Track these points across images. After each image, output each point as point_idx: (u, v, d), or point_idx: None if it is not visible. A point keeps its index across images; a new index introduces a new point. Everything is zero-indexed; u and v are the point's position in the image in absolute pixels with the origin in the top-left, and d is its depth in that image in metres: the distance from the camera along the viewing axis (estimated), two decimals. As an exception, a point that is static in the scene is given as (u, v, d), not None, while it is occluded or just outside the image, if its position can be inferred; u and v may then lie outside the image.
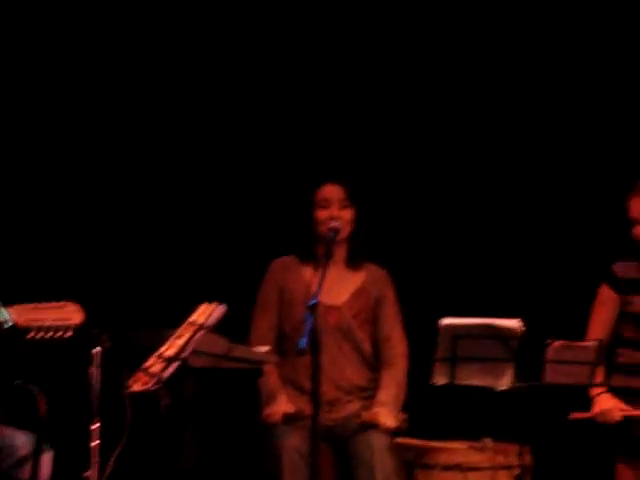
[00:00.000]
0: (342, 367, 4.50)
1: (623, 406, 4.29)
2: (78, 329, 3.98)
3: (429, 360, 4.01)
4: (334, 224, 4.34)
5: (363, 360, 4.54)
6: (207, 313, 3.91)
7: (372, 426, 4.32)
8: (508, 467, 4.31)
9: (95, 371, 3.93)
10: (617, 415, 4.26)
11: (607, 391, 4.33)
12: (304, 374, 4.37)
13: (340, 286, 4.51)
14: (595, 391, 4.34)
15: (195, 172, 5.18)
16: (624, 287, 4.44)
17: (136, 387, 3.84)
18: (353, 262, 4.56)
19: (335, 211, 4.50)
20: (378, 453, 4.23)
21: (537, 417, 4.09)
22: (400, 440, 4.39)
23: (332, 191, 4.53)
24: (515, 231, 5.27)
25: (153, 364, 3.85)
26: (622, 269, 4.47)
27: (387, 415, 4.36)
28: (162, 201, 5.14)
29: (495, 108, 5.29)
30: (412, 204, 5.26)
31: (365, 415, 4.37)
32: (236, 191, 5.20)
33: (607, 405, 4.28)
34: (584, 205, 5.24)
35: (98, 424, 3.89)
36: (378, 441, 4.27)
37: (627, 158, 5.14)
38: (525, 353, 3.98)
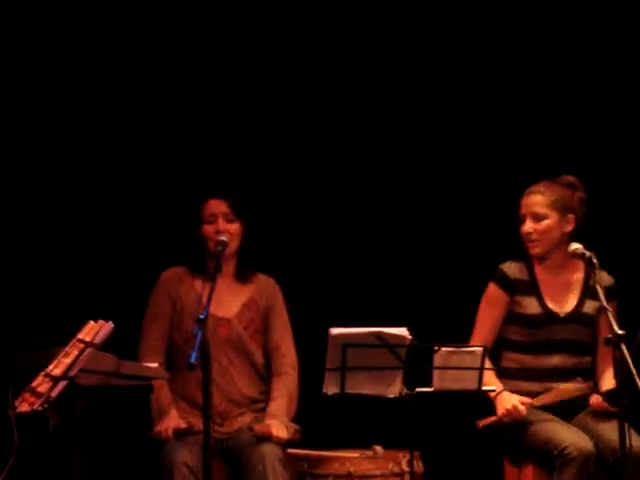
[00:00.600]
0: (233, 379, 4.49)
1: (524, 399, 4.34)
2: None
3: (321, 370, 4.02)
4: (221, 237, 4.33)
5: (255, 372, 4.55)
6: (94, 331, 3.87)
7: (264, 438, 4.32)
8: (399, 474, 4.35)
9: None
10: (523, 410, 4.31)
11: (503, 390, 4.38)
12: (195, 388, 4.36)
13: (230, 298, 4.52)
14: (493, 393, 4.38)
15: (80, 186, 5.09)
16: (514, 287, 4.50)
17: (23, 408, 3.77)
18: (242, 275, 4.57)
19: (221, 225, 4.50)
20: (271, 465, 4.23)
21: (426, 424, 4.14)
22: (292, 451, 4.40)
23: (217, 205, 4.53)
24: (399, 236, 5.31)
25: (40, 384, 3.79)
26: (512, 269, 4.52)
27: (279, 427, 4.36)
28: (47, 216, 5.05)
29: (385, 111, 5.32)
30: (299, 214, 5.26)
31: (257, 427, 4.37)
32: (122, 208, 5.14)
33: (509, 403, 4.33)
34: (469, 206, 5.31)
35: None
36: (270, 453, 4.26)
37: (520, 156, 5.23)
38: (414, 360, 4.02)
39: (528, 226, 4.48)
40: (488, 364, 4.22)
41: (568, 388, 4.34)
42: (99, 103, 5.10)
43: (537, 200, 4.46)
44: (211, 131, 5.22)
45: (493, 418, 4.39)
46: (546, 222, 4.46)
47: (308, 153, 5.29)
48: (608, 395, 4.29)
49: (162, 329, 4.51)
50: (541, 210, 4.45)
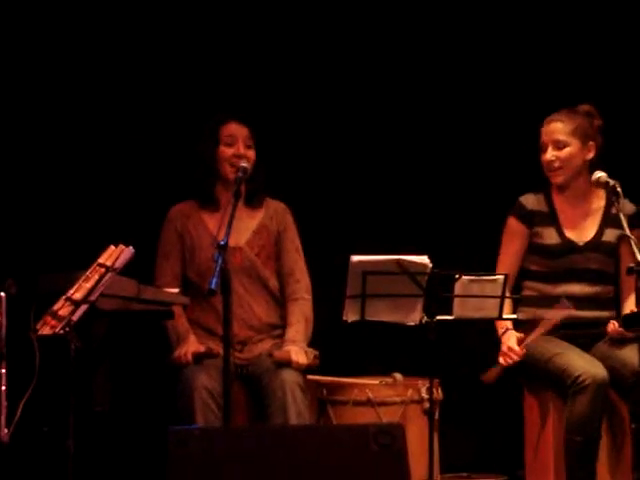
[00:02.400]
0: (251, 307, 4.49)
1: (519, 334, 4.33)
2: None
3: (340, 297, 4.02)
4: (244, 164, 4.29)
5: (271, 298, 4.54)
6: (115, 255, 3.86)
7: (284, 364, 4.33)
8: (418, 401, 4.37)
9: (0, 316, 3.85)
10: (519, 351, 4.30)
11: (509, 328, 4.38)
12: (213, 317, 4.39)
13: (241, 225, 4.46)
14: (501, 329, 4.40)
15: (99, 116, 5.07)
16: (532, 219, 4.49)
17: (45, 330, 3.78)
18: (252, 201, 4.54)
19: (242, 149, 4.47)
20: (290, 391, 4.24)
21: (447, 351, 4.14)
22: (312, 377, 4.42)
23: (238, 129, 4.51)
24: (421, 164, 5.27)
25: (61, 307, 3.80)
26: (530, 201, 4.51)
27: (299, 352, 4.36)
28: (68, 143, 5.02)
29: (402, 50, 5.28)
30: (316, 137, 5.21)
31: (277, 354, 4.38)
32: (141, 132, 5.10)
33: (509, 342, 4.33)
34: (490, 137, 5.26)
35: (4, 369, 3.82)
36: (290, 379, 4.27)
37: (538, 90, 5.18)
38: (434, 288, 4.01)
39: (550, 154, 4.44)
40: (508, 294, 4.22)
41: (555, 314, 4.30)
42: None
43: (558, 128, 4.44)
44: (220, 54, 5.15)
45: (495, 370, 4.37)
46: (568, 150, 4.43)
47: (326, 73, 5.23)
48: (624, 320, 4.28)
49: (173, 267, 4.50)
50: (562, 137, 4.42)
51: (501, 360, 4.33)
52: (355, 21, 5.24)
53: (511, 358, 4.31)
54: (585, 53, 5.24)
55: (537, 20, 5.28)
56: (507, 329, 4.40)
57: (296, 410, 4.22)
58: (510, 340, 4.35)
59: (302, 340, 4.45)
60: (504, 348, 4.34)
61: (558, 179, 4.46)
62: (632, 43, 5.24)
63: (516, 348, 4.30)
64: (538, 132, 4.49)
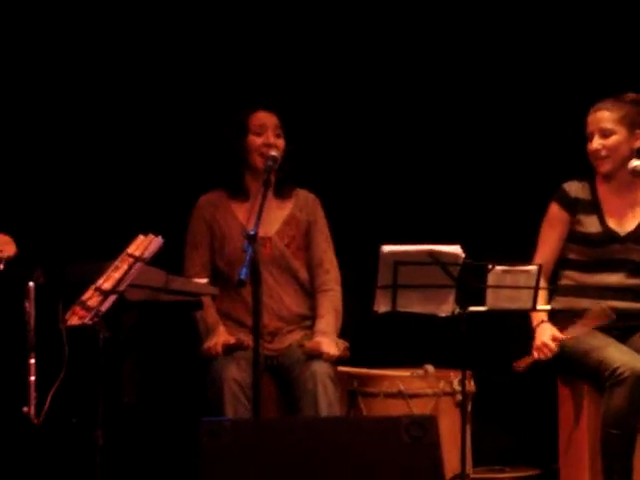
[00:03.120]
0: (280, 298, 4.47)
1: (557, 334, 4.27)
2: (10, 262, 3.91)
3: (370, 287, 3.98)
4: (273, 153, 4.24)
5: (300, 288, 4.51)
6: (144, 245, 3.84)
7: (315, 356, 4.29)
8: (450, 393, 4.33)
9: (29, 306, 3.84)
10: (553, 347, 4.25)
11: (547, 320, 4.33)
12: (242, 308, 4.36)
13: (270, 216, 4.43)
14: (535, 323, 4.34)
15: (125, 103, 5.06)
16: (575, 206, 4.43)
17: (73, 321, 3.77)
18: (282, 192, 4.51)
19: (271, 138, 4.45)
20: (322, 382, 4.21)
21: (479, 343, 4.10)
22: (343, 369, 4.38)
23: (267, 118, 4.48)
24: (459, 150, 5.23)
25: (90, 297, 3.79)
26: (573, 188, 4.45)
27: (329, 344, 4.33)
28: (94, 132, 5.02)
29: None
30: (346, 125, 5.18)
31: (308, 345, 4.34)
32: (170, 121, 5.09)
33: (539, 339, 4.28)
34: (532, 121, 5.22)
35: (34, 359, 3.81)
36: (321, 370, 4.24)
37: (583, 77, 5.13)
38: (467, 279, 3.97)
39: (596, 142, 4.38)
40: (543, 284, 4.17)
41: (595, 314, 4.23)
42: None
43: (604, 116, 4.38)
44: (249, 43, 5.13)
45: (529, 359, 4.31)
46: (614, 138, 4.37)
47: (356, 64, 5.20)
48: None
49: (202, 257, 4.47)
50: (609, 125, 4.37)
51: (535, 354, 4.28)
52: (383, 12, 5.19)
53: (544, 353, 4.26)
54: (630, 41, 5.19)
55: (581, 7, 5.23)
56: (542, 322, 4.34)
57: (327, 402, 4.19)
58: (545, 334, 4.29)
59: (332, 332, 4.42)
60: (538, 342, 4.28)
61: (605, 168, 4.39)
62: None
63: (550, 344, 4.25)
64: (583, 119, 4.43)
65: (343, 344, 4.39)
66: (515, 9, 5.24)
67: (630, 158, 4.38)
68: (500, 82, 5.23)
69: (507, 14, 5.23)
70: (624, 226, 4.42)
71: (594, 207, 4.42)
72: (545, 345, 4.26)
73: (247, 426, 3.63)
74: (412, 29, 5.22)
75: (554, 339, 4.25)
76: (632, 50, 5.17)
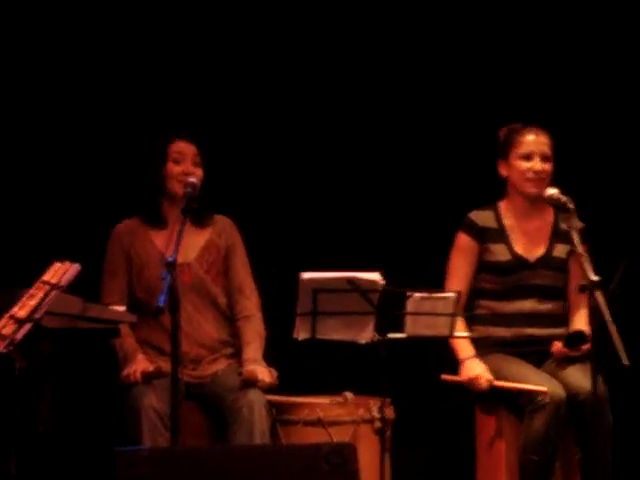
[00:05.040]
0: (201, 325, 4.45)
1: (489, 375, 4.32)
2: None
3: (289, 314, 3.98)
4: (192, 179, 4.25)
5: (220, 314, 4.51)
6: (60, 272, 3.81)
7: (250, 384, 4.28)
8: (370, 420, 4.32)
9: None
10: (484, 385, 4.30)
11: (474, 356, 4.38)
12: (162, 335, 4.33)
13: (188, 243, 4.44)
14: (462, 355, 4.38)
15: (41, 129, 5.02)
16: (483, 235, 4.47)
17: (-13, 349, 3.71)
18: (200, 219, 4.51)
19: (190, 167, 4.45)
20: (258, 411, 4.20)
21: (398, 370, 4.11)
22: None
23: (186, 147, 4.49)
24: (372, 182, 5.28)
25: (5, 325, 3.73)
26: (479, 217, 4.50)
27: (264, 372, 4.34)
28: (13, 158, 4.96)
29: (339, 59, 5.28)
30: (264, 153, 5.22)
31: (244, 373, 4.32)
32: (86, 148, 5.06)
33: (475, 372, 4.33)
34: (439, 153, 5.28)
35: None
36: (257, 399, 4.24)
37: (482, 110, 5.20)
38: (386, 306, 3.99)
39: (540, 164, 4.43)
40: (461, 311, 4.21)
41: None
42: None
43: (546, 141, 4.46)
44: (164, 72, 5.15)
45: (456, 378, 4.37)
46: (550, 164, 4.44)
47: (275, 88, 5.24)
48: (566, 340, 4.30)
49: (121, 284, 4.46)
50: (549, 151, 4.45)
51: (465, 381, 4.33)
52: (286, 47, 5.24)
53: (474, 386, 4.30)
54: (524, 72, 5.29)
55: (484, 36, 5.31)
56: (472, 356, 4.37)
57: (261, 430, 4.19)
58: (479, 369, 4.33)
59: (262, 359, 4.42)
60: (472, 375, 4.32)
61: (536, 190, 4.42)
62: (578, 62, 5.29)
63: (483, 382, 4.28)
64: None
65: (275, 372, 4.39)
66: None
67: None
68: (406, 116, 5.29)
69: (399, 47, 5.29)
70: (533, 252, 4.47)
71: (501, 235, 4.47)
72: (478, 379, 4.30)
73: (164, 455, 3.59)
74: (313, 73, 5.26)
75: (487, 380, 4.29)
76: (524, 80, 5.27)
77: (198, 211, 4.46)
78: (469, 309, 4.49)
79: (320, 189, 5.25)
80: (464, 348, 4.39)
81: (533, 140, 4.44)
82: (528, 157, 4.44)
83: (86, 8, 5.04)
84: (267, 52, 5.23)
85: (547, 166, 4.42)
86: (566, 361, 4.34)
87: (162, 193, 4.48)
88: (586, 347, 4.24)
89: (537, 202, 4.44)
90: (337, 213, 5.25)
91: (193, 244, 4.49)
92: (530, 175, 4.42)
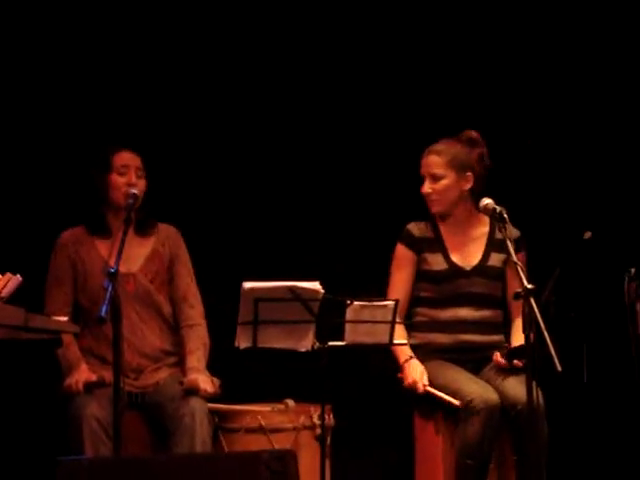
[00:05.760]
0: (144, 334, 4.48)
1: (425, 380, 4.39)
2: None
3: (231, 323, 4.02)
4: (134, 191, 4.29)
5: (164, 323, 4.53)
6: (2, 284, 3.83)
7: (192, 392, 4.31)
8: (310, 427, 4.37)
9: None
10: (420, 389, 4.38)
11: (412, 357, 4.45)
12: (105, 344, 4.35)
13: (133, 252, 4.47)
14: (402, 359, 4.45)
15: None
16: (420, 246, 4.55)
17: None
18: (143, 228, 4.54)
19: (133, 179, 4.47)
20: (199, 418, 4.23)
21: (339, 377, 4.16)
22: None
23: (131, 158, 4.51)
24: (312, 193, 5.32)
25: (-54, 338, 3.74)
26: (416, 228, 4.57)
27: (206, 381, 4.36)
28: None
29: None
30: (208, 164, 5.23)
31: (185, 381, 4.35)
32: (28, 157, 5.05)
33: (412, 377, 4.40)
34: (379, 166, 5.33)
35: None
36: (198, 407, 4.26)
37: (426, 118, 5.25)
38: (326, 314, 4.04)
39: (427, 186, 4.52)
40: (400, 319, 4.27)
41: (447, 397, 4.34)
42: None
43: (434, 161, 4.50)
44: (109, 82, 5.15)
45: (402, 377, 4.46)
46: (444, 182, 4.49)
47: (214, 95, 5.26)
48: (508, 354, 4.39)
49: (65, 293, 4.47)
50: (438, 171, 4.49)
51: (405, 384, 4.40)
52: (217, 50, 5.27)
53: (416, 389, 4.38)
54: (476, 79, 5.35)
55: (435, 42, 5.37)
56: (411, 357, 4.45)
57: (202, 438, 4.22)
58: (416, 374, 4.40)
59: (204, 368, 4.45)
60: (409, 380, 4.39)
61: (435, 209, 4.54)
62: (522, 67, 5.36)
63: (420, 387, 4.35)
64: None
65: (217, 381, 4.42)
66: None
67: (461, 198, 4.51)
68: (350, 123, 5.34)
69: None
70: (468, 261, 4.55)
71: (438, 245, 4.55)
72: (415, 384, 4.37)
73: (105, 464, 3.61)
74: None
75: (424, 385, 4.36)
76: (476, 85, 5.32)
77: (141, 220, 4.51)
78: (409, 317, 4.56)
79: (262, 197, 5.28)
80: (403, 352, 4.46)
81: (423, 162, 4.52)
82: (423, 180, 4.51)
83: (31, 13, 5.04)
84: (205, 58, 5.24)
85: (437, 185, 4.48)
86: (504, 371, 4.41)
87: (106, 203, 4.49)
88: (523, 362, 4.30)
89: (473, 212, 4.52)
90: (278, 222, 5.28)
91: (137, 254, 4.51)
92: (425, 198, 4.52)
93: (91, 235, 4.51)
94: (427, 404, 4.43)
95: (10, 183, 5.00)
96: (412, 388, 4.39)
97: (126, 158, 4.50)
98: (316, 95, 5.32)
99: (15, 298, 3.84)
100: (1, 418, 4.30)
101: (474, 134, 4.54)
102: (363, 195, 5.33)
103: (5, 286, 3.81)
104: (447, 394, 4.33)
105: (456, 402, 4.29)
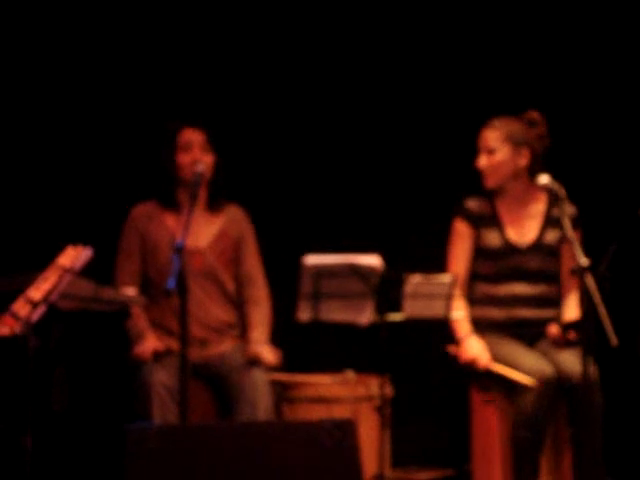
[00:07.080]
0: (208, 308, 4.55)
1: (486, 356, 4.43)
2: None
3: (293, 296, 4.09)
4: (199, 168, 4.33)
5: (227, 299, 4.61)
6: (73, 257, 3.90)
7: (255, 363, 4.41)
8: (369, 398, 4.43)
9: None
10: (481, 366, 4.42)
11: (471, 333, 4.49)
12: (171, 316, 4.42)
13: (202, 229, 4.55)
14: (460, 334, 4.49)
15: (56, 113, 5.09)
16: (477, 221, 4.57)
17: (3, 331, 3.82)
18: (213, 206, 4.61)
19: (198, 155, 4.53)
20: (260, 389, 4.34)
21: (396, 350, 4.23)
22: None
23: (194, 135, 4.56)
24: (371, 168, 5.34)
25: (20, 308, 3.83)
26: (474, 204, 4.59)
27: (269, 352, 4.46)
28: (28, 143, 5.03)
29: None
30: (270, 143, 5.27)
31: (249, 352, 4.45)
32: (99, 135, 5.13)
33: (473, 352, 4.44)
34: (437, 142, 5.34)
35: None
36: (261, 378, 4.37)
37: (493, 96, 5.26)
38: (385, 288, 4.10)
39: (481, 160, 4.54)
40: (458, 293, 4.33)
41: (520, 377, 4.35)
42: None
43: (490, 134, 4.52)
44: (178, 57, 5.20)
45: (457, 352, 4.50)
46: (498, 156, 4.50)
47: (276, 79, 5.29)
48: (565, 328, 4.41)
49: (134, 265, 4.55)
50: (493, 144, 4.50)
51: (463, 360, 4.44)
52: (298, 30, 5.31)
53: (472, 364, 4.43)
54: (541, 60, 5.34)
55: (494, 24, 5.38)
56: (469, 335, 4.49)
57: (265, 407, 4.32)
58: (477, 349, 4.44)
59: (267, 341, 4.54)
60: (470, 355, 4.43)
61: (488, 184, 4.56)
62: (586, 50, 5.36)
63: (482, 362, 4.40)
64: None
65: (279, 353, 4.52)
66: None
67: (517, 174, 4.53)
68: (413, 101, 5.35)
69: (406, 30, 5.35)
70: (524, 238, 4.57)
71: (494, 221, 4.56)
72: (476, 360, 4.41)
73: (173, 431, 3.66)
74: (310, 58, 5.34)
75: (484, 361, 4.39)
76: (540, 66, 5.33)
77: (211, 196, 4.59)
78: (468, 291, 4.59)
79: (322, 174, 5.31)
80: (462, 327, 4.50)
81: (480, 136, 4.53)
82: (478, 154, 4.54)
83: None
84: (280, 42, 5.27)
85: (491, 159, 4.49)
86: (559, 344, 4.45)
87: (175, 180, 4.56)
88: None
89: (530, 189, 4.57)
90: (338, 198, 5.31)
91: (206, 231, 4.58)
92: (479, 171, 4.54)
93: (162, 209, 4.59)
94: (484, 376, 4.47)
95: (85, 159, 5.08)
96: (471, 363, 4.46)
97: (189, 135, 4.55)
98: (375, 73, 5.35)
99: (86, 271, 3.92)
100: (72, 387, 4.41)
101: (536, 115, 4.55)
102: (424, 170, 5.34)
103: (77, 259, 3.88)
104: (505, 368, 4.39)
105: (529, 381, 4.28)
